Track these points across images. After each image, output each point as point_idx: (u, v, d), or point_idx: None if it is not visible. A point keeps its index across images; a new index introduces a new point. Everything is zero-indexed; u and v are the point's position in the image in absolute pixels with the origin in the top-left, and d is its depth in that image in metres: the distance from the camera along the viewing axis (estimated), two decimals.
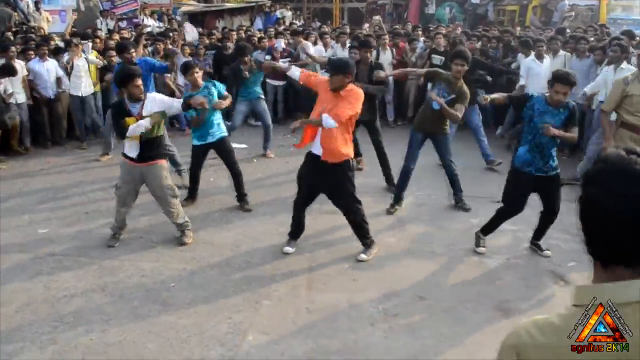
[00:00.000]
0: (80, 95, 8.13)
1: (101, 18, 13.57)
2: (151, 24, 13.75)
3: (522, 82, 7.69)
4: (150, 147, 4.80)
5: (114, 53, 7.81)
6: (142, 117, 4.65)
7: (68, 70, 8.04)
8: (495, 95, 4.70)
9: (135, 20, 13.43)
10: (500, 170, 6.16)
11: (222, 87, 5.88)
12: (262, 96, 7.66)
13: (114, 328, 3.82)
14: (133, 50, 6.66)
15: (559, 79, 4.29)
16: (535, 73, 7.54)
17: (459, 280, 4.50)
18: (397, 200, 5.88)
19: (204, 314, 3.99)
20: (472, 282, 4.47)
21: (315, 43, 9.93)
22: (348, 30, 11.32)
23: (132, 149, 4.80)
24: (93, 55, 8.58)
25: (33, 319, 3.90)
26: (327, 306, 4.11)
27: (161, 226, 5.36)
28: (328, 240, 5.22)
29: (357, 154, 6.88)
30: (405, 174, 5.85)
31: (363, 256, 4.80)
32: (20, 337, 3.70)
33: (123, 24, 13.06)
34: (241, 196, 5.96)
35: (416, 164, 5.76)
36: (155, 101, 4.80)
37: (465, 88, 5.52)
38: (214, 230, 5.45)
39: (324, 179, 4.60)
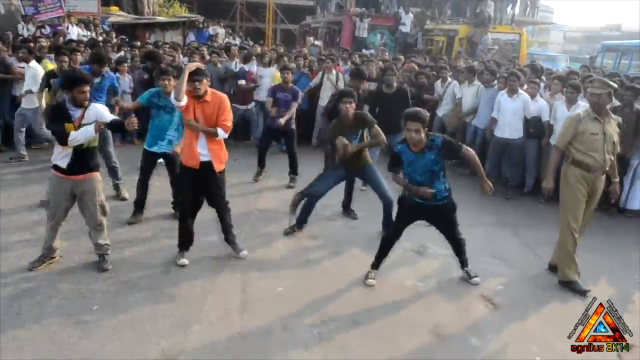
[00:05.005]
0: None
1: (22, 23, 12.88)
2: (77, 33, 13.21)
3: (494, 114, 7.66)
4: (84, 158, 4.51)
5: (65, 59, 7.28)
6: (80, 125, 4.40)
7: None
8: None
9: (59, 27, 12.83)
10: None
11: None
12: None
13: (29, 357, 3.51)
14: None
15: (408, 117, 4.38)
16: (504, 108, 7.49)
17: (393, 304, 4.51)
18: (301, 223, 5.86)
19: (130, 340, 3.76)
20: (405, 307, 4.49)
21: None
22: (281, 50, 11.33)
23: (64, 158, 4.48)
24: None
25: None
26: (260, 331, 3.99)
27: (84, 244, 5.03)
28: (261, 262, 5.11)
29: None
30: (313, 200, 5.79)
31: (244, 252, 5.10)
32: None
33: (45, 30, 12.47)
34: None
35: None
36: (97, 111, 4.54)
37: (362, 114, 5.61)
38: (141, 249, 5.20)
39: (205, 183, 4.87)
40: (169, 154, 5.76)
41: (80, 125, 4.42)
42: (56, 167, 4.55)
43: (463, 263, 5.01)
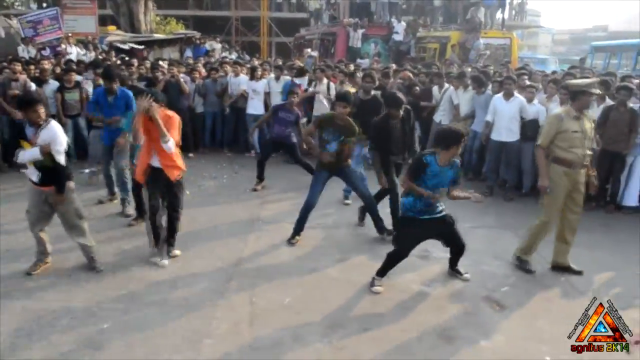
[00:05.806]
0: None
1: (22, 45, 13.01)
2: (76, 53, 13.34)
3: (488, 118, 7.80)
4: (52, 174, 4.71)
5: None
6: (34, 144, 4.62)
7: None
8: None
9: (58, 48, 12.95)
10: None
11: None
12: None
13: None
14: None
15: (462, 137, 4.58)
16: (501, 111, 7.60)
17: (401, 309, 4.54)
18: (298, 231, 5.95)
19: (141, 357, 3.78)
20: (413, 311, 4.53)
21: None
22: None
23: (31, 174, 4.76)
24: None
25: None
26: (271, 342, 4.02)
27: None
28: (267, 272, 5.15)
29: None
30: (307, 210, 5.91)
31: (164, 262, 5.19)
32: None
33: (46, 52, 12.58)
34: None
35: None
36: (49, 132, 4.64)
37: (352, 124, 5.72)
38: (149, 265, 5.22)
39: (165, 186, 5.17)
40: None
41: (35, 144, 4.63)
42: (31, 180, 4.83)
43: (456, 265, 5.13)
